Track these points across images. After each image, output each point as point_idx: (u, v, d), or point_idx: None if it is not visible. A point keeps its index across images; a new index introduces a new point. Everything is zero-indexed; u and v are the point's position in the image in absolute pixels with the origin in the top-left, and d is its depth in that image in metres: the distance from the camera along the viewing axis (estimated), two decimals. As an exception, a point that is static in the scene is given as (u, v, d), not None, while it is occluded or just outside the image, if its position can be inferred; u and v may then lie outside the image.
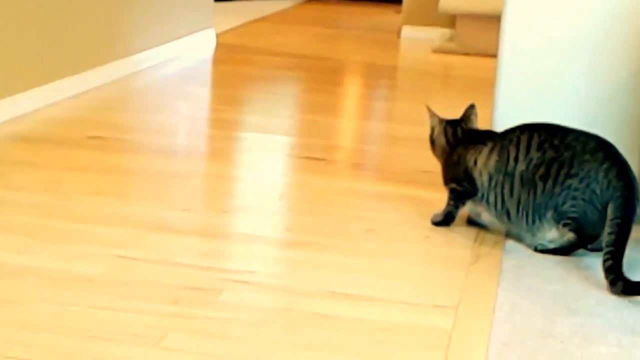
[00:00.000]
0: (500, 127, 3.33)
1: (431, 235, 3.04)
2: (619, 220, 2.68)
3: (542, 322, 2.40)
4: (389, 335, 2.31)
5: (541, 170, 2.84)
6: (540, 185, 2.84)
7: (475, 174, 2.99)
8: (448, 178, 3.10)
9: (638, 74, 3.22)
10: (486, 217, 3.04)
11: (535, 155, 2.86)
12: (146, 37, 5.63)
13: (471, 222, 3.11)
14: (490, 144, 2.98)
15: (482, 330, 2.35)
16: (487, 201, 2.98)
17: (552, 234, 2.87)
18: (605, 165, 2.76)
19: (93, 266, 2.60)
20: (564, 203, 2.80)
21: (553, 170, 2.81)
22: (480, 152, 3.00)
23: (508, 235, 3.02)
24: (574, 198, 2.78)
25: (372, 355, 2.19)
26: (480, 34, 6.86)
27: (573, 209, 2.80)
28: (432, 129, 3.19)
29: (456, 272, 2.73)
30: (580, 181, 2.77)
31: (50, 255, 2.68)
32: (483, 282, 2.67)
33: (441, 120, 3.17)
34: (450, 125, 3.15)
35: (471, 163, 3.01)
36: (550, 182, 2.82)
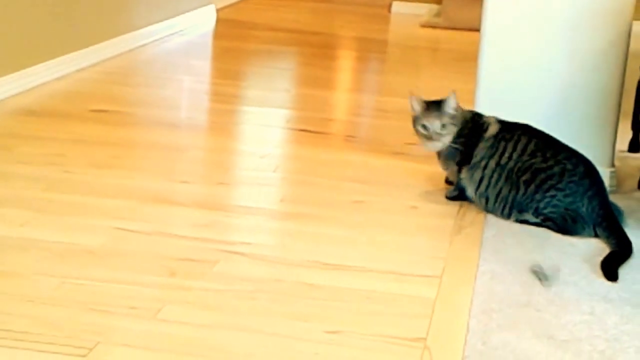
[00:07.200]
0: (483, 100, 3.29)
1: (418, 206, 3.00)
2: (614, 240, 2.71)
3: (520, 291, 2.38)
4: (376, 304, 2.28)
5: (526, 176, 2.84)
6: (522, 188, 2.85)
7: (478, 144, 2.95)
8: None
9: (615, 46, 3.17)
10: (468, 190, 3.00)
11: (525, 159, 2.86)
12: (150, 13, 5.56)
13: (451, 198, 3.05)
14: (495, 124, 2.96)
15: (464, 299, 2.33)
16: (472, 175, 2.94)
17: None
18: (589, 193, 2.79)
19: (93, 238, 2.57)
20: (545, 207, 2.82)
21: (538, 179, 2.82)
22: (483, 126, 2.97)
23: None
24: (556, 206, 2.81)
25: (359, 324, 2.16)
26: (465, 10, 6.78)
27: (553, 215, 2.81)
28: (414, 119, 3.00)
29: (441, 242, 2.71)
30: (565, 196, 2.80)
31: (52, 228, 2.65)
32: (466, 252, 2.64)
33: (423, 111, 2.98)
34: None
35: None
36: (532, 187, 2.83)
